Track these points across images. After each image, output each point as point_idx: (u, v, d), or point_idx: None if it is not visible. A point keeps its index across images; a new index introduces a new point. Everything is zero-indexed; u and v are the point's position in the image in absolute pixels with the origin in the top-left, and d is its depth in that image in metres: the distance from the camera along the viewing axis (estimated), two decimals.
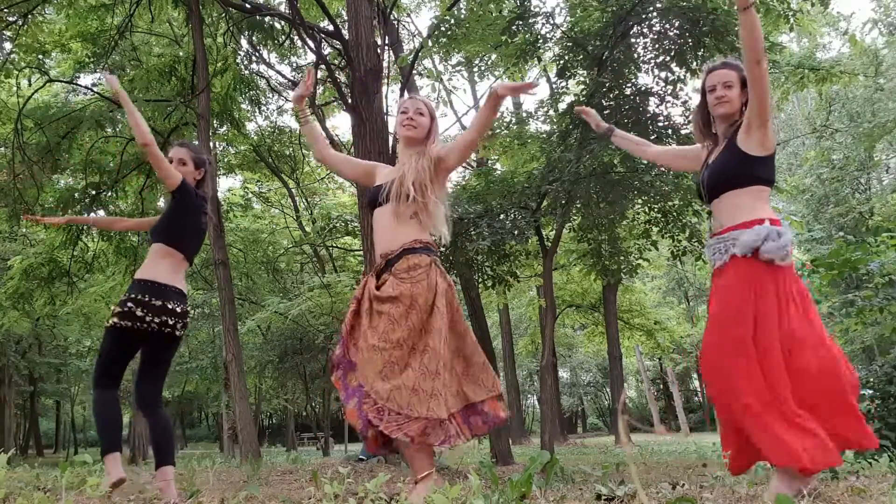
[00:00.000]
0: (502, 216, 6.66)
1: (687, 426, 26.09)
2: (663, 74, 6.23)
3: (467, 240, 6.51)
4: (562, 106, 7.32)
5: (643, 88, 6.40)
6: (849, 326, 5.36)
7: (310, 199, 17.97)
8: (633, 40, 6.25)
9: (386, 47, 8.54)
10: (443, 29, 6.88)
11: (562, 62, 6.76)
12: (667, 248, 7.66)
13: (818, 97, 18.52)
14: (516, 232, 6.38)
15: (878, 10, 19.60)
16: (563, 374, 36.44)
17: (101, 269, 12.26)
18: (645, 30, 6.21)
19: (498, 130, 9.24)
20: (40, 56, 10.92)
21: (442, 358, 2.53)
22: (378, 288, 2.67)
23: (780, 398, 2.33)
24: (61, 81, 11.81)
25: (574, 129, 6.36)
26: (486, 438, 8.09)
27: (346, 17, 7.99)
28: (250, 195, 17.86)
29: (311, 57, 10.42)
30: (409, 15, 15.16)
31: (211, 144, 10.87)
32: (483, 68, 12.43)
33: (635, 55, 6.29)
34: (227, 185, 24.95)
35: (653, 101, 6.33)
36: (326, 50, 9.50)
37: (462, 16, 7.21)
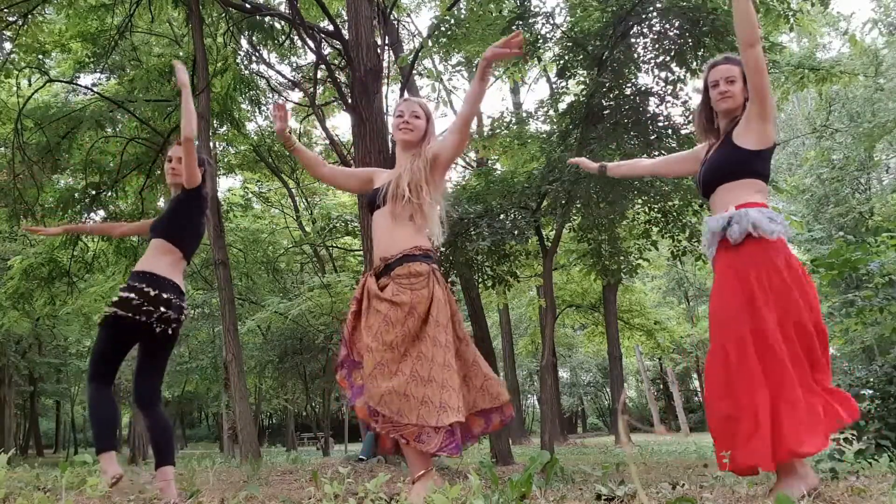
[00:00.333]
0: (502, 216, 6.66)
1: (687, 426, 26.06)
2: (663, 74, 6.22)
3: (467, 240, 6.50)
4: (562, 106, 7.31)
5: (643, 88, 6.40)
6: (849, 326, 5.35)
7: (310, 199, 17.97)
8: (633, 40, 6.25)
9: (386, 47, 8.55)
10: (443, 29, 6.89)
11: (562, 62, 6.76)
12: (667, 248, 7.67)
13: (818, 97, 18.53)
14: (516, 232, 6.37)
15: (878, 10, 19.64)
16: (563, 374, 36.46)
17: (101, 269, 12.26)
18: (645, 30, 6.21)
19: (498, 130, 9.22)
20: (40, 56, 10.92)
21: (435, 365, 2.53)
22: (380, 290, 2.68)
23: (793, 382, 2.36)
24: (61, 81, 11.81)
25: (574, 129, 6.36)
26: (486, 438, 8.09)
27: (346, 17, 7.99)
28: (250, 195, 17.88)
29: (311, 57, 10.43)
30: (409, 15, 15.18)
31: (211, 144, 10.86)
32: None
33: (635, 55, 6.29)
34: (227, 185, 25.01)
35: (653, 101, 6.33)
36: (326, 50, 9.51)
37: (462, 16, 7.22)
